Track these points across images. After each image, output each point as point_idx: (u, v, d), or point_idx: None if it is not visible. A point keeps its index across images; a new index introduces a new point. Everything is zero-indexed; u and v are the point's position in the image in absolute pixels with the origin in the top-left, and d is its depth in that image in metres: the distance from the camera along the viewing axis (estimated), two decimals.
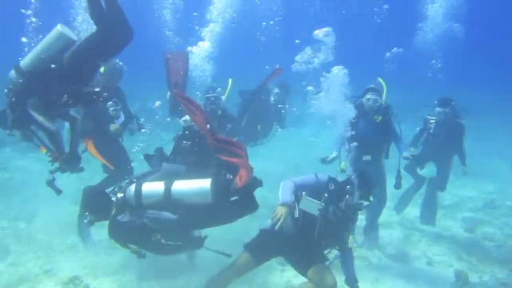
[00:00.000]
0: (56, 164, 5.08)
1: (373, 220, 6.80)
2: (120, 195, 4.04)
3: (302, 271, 4.47)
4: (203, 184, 3.92)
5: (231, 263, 4.48)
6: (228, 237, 6.34)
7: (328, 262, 4.45)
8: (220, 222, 4.22)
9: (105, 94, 4.98)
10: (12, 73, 4.70)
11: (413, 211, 9.07)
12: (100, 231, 6.26)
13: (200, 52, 6.64)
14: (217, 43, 7.37)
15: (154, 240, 4.01)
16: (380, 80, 6.32)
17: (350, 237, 4.35)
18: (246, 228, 4.91)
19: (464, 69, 23.46)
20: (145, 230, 3.95)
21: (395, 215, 8.25)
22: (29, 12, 5.35)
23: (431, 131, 7.10)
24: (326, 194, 4.36)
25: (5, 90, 4.81)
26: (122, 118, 6.08)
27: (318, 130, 15.85)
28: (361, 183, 4.37)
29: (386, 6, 9.15)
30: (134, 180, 4.14)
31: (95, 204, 4.16)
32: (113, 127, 6.06)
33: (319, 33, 4.85)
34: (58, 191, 5.21)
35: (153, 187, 4.03)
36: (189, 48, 6.51)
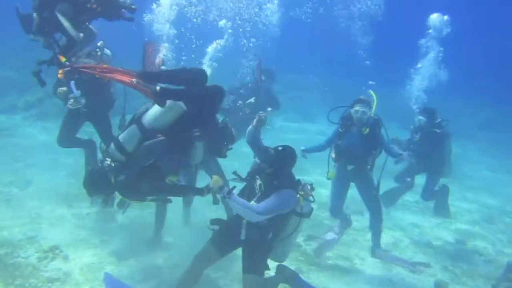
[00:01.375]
0: (45, 58, 5.02)
1: (374, 238, 6.40)
2: (107, 161, 4.12)
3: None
4: None
5: (197, 256, 4.44)
6: None
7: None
8: (204, 117, 4.27)
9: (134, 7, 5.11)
10: None
11: (406, 217, 9.01)
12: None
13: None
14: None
15: (169, 182, 4.17)
16: (371, 92, 6.21)
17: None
18: None
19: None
20: (154, 172, 4.11)
21: (387, 219, 8.14)
22: None
23: (415, 139, 7.16)
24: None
25: None
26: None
27: (326, 130, 15.72)
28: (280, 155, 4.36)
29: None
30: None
31: (94, 184, 4.20)
32: (60, 90, 5.62)
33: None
34: (42, 83, 5.07)
35: (127, 132, 4.15)
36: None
